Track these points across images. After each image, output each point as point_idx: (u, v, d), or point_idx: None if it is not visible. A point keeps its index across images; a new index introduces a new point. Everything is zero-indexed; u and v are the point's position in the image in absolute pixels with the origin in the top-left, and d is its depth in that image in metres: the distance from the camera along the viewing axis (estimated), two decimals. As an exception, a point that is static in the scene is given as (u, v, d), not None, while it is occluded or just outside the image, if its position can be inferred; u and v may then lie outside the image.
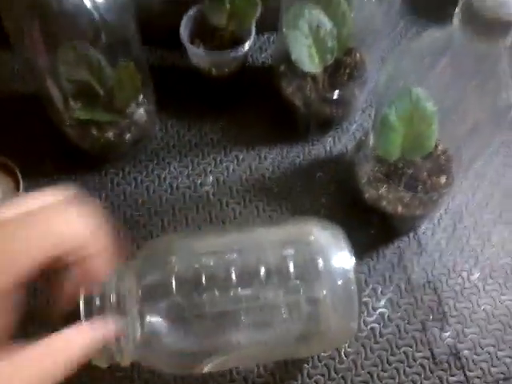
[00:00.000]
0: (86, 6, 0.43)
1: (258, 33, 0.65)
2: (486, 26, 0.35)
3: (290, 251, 0.40)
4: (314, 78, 0.54)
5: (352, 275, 0.40)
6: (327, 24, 0.49)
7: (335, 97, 0.55)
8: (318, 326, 0.41)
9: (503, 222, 0.56)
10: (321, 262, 0.39)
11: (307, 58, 0.49)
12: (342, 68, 0.55)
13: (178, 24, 0.62)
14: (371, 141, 0.48)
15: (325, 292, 0.39)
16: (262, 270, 0.39)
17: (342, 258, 0.40)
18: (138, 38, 0.50)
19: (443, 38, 0.39)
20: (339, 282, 0.39)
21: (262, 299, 0.39)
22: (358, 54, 0.56)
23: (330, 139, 0.60)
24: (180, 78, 0.62)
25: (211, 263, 0.40)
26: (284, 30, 0.49)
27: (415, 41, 0.44)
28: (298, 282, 0.39)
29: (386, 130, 0.44)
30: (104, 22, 0.45)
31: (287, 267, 0.39)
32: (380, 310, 0.51)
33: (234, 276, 0.39)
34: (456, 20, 0.36)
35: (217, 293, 0.38)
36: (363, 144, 0.52)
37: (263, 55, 0.65)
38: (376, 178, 0.51)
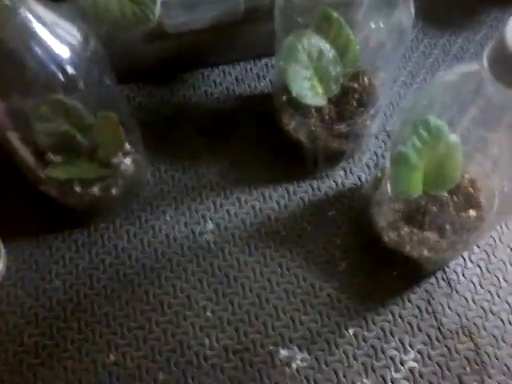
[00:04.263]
0: (49, 63, 0.39)
1: (254, 58, 0.60)
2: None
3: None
4: (318, 110, 0.48)
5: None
6: (329, 51, 0.43)
7: (344, 129, 0.49)
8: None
9: (543, 251, 0.50)
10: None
11: (309, 91, 0.43)
12: (350, 95, 0.49)
13: (165, 55, 0.57)
14: (388, 181, 0.42)
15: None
16: None
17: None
18: (115, 85, 0.45)
19: (471, 79, 0.33)
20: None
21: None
22: (366, 79, 0.50)
23: (340, 172, 0.54)
24: (170, 115, 0.57)
25: None
26: (281, 63, 0.43)
27: (435, 78, 0.39)
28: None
29: (404, 168, 0.38)
30: (72, 75, 0.40)
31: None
32: (409, 364, 0.45)
33: None
34: (486, 64, 0.30)
35: None
36: (379, 182, 0.46)
37: (262, 83, 0.59)
38: (396, 219, 0.45)
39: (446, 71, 0.38)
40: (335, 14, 0.42)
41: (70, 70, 0.40)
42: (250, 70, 0.60)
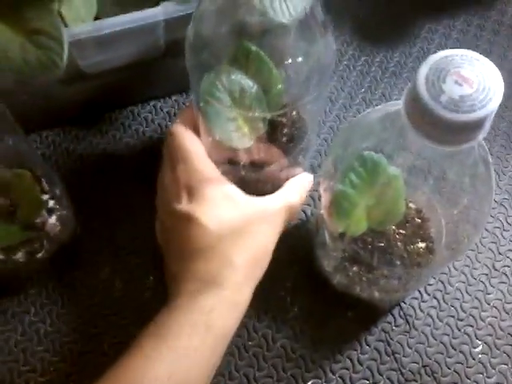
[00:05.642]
0: None
1: (186, 91, 0.57)
2: (441, 132, 0.26)
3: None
4: (247, 151, 0.44)
5: None
6: (251, 87, 0.38)
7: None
8: None
9: (498, 275, 0.48)
10: None
11: (235, 133, 0.40)
12: (279, 131, 0.45)
13: (88, 96, 0.53)
14: (327, 221, 0.40)
15: None
16: None
17: None
18: (23, 141, 0.42)
19: (395, 119, 0.31)
20: None
21: None
22: (294, 112, 0.45)
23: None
24: (100, 160, 0.53)
25: None
26: (201, 105, 0.40)
27: (364, 116, 0.36)
28: None
29: (343, 206, 0.36)
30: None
31: None
32: (372, 412, 0.43)
33: None
34: (403, 111, 0.28)
35: None
36: (320, 223, 0.43)
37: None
38: (342, 260, 0.42)
39: (372, 109, 0.36)
40: (254, 48, 0.38)
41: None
42: (183, 103, 0.57)
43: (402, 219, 0.41)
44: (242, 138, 0.40)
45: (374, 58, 0.61)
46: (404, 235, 0.42)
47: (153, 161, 0.50)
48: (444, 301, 0.47)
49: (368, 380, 0.44)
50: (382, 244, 0.42)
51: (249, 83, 0.38)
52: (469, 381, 0.44)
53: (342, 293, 0.44)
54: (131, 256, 0.49)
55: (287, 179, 0.45)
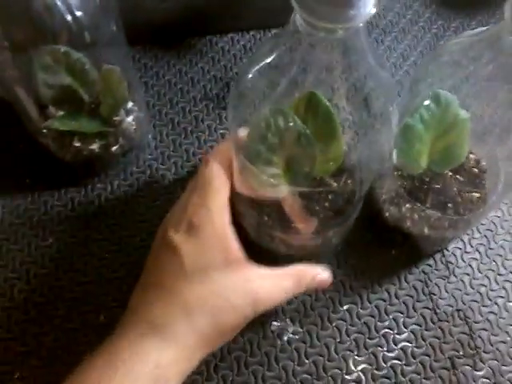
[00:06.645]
0: (56, 6, 0.37)
1: (264, 28, 0.59)
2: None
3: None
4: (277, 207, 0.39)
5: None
6: (308, 140, 0.32)
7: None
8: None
9: (544, 240, 0.49)
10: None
11: (270, 178, 0.34)
12: (323, 194, 0.40)
13: (173, 18, 0.56)
14: (393, 152, 0.42)
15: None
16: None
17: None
18: (122, 38, 0.44)
19: (485, 38, 0.32)
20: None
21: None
22: (350, 181, 0.39)
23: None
24: (174, 80, 0.56)
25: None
26: (244, 137, 0.34)
27: (450, 42, 0.38)
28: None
29: (409, 140, 0.38)
30: (80, 22, 0.39)
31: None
32: (402, 343, 0.44)
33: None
34: (508, 16, 0.29)
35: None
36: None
37: (270, 52, 0.58)
38: (398, 194, 0.44)
39: (457, 37, 0.37)
40: (324, 100, 0.32)
41: (78, 12, 0.39)
42: (260, 39, 0.59)
43: (460, 165, 0.42)
44: (276, 186, 0.35)
45: (451, 24, 0.62)
46: (460, 182, 0.44)
47: (222, 87, 0.53)
48: (486, 255, 0.48)
49: (402, 313, 0.45)
50: (438, 186, 0.43)
51: (307, 135, 0.32)
52: (499, 330, 0.45)
53: (392, 228, 0.46)
54: (192, 169, 0.51)
55: (303, 249, 0.42)
